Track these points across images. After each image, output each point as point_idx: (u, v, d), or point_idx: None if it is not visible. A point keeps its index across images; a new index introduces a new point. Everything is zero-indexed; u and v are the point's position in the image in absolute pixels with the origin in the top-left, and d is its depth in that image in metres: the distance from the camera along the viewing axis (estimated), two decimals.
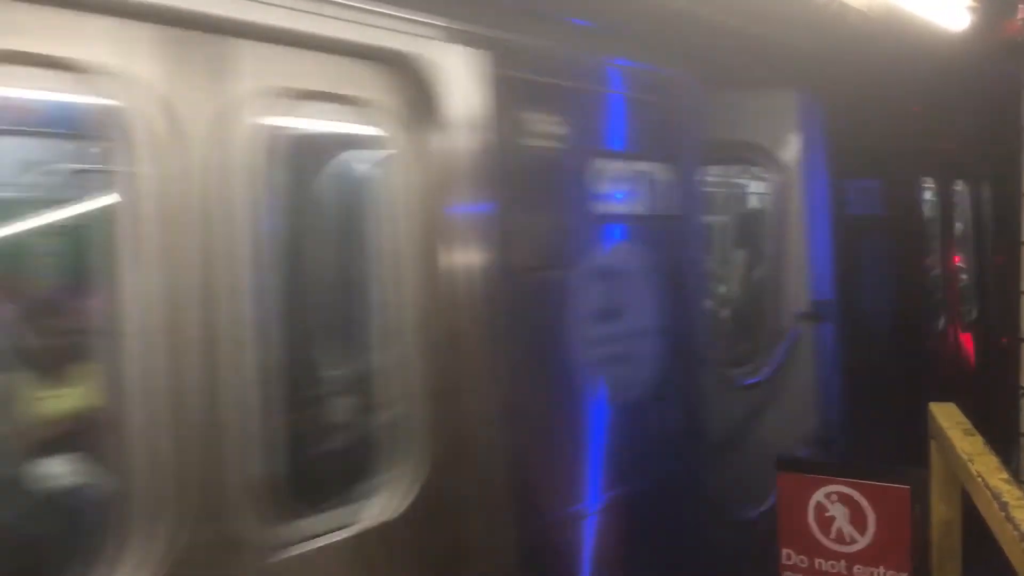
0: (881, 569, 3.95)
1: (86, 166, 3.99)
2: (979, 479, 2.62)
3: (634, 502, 4.14)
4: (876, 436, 5.55)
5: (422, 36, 3.14)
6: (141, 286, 2.44)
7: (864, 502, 3.97)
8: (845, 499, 4.01)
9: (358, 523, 3.00)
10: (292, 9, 2.75)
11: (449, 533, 3.20)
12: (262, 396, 2.69)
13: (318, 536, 2.88)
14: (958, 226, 7.98)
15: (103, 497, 2.65)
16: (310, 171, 4.55)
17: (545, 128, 3.67)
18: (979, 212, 8.14)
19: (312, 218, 4.67)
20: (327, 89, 2.97)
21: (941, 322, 7.32)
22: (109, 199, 2.51)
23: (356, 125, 3.39)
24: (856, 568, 4.00)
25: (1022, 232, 4.10)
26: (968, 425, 3.21)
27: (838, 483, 4.03)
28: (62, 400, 3.44)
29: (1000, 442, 3.12)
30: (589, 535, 3.97)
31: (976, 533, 2.96)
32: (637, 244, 4.19)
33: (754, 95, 5.28)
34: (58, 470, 3.30)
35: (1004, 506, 2.36)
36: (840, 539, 4.02)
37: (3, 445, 3.40)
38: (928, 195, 7.37)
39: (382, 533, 3.04)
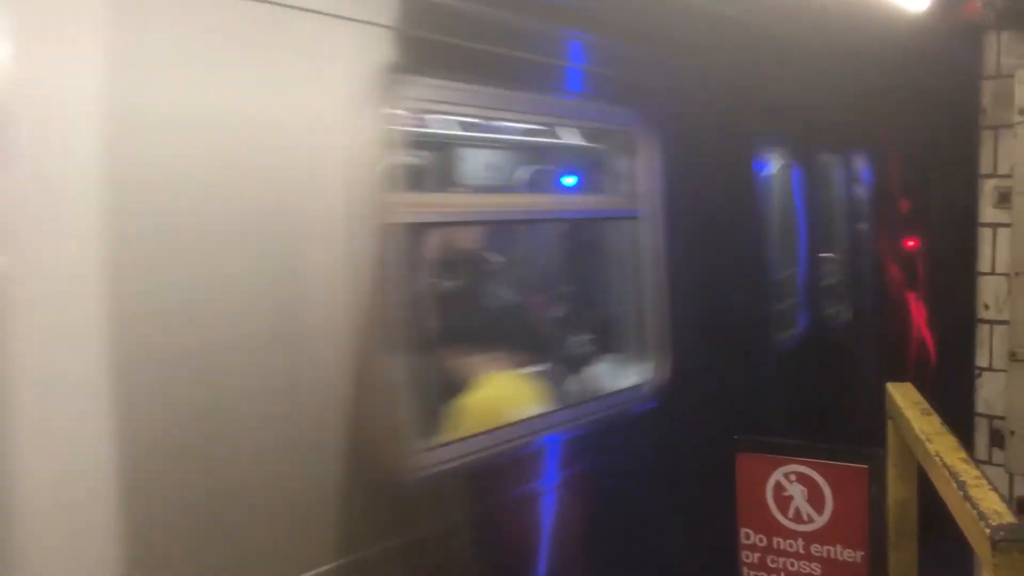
0: (838, 547, 3.98)
1: None
2: (937, 458, 2.63)
3: None
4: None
5: None
6: None
7: (822, 481, 4.00)
8: (803, 479, 4.04)
9: None
10: None
11: None
12: None
13: None
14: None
15: None
16: None
17: None
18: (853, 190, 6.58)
19: None
20: None
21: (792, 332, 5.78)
22: None
23: None
24: (814, 546, 4.03)
25: (980, 213, 4.14)
26: (925, 405, 3.23)
27: (796, 463, 4.06)
28: None
29: None
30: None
31: (932, 512, 2.99)
32: None
33: None
34: None
35: (962, 485, 2.37)
36: (798, 518, 4.05)
37: None
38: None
39: None
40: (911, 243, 7.58)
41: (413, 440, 3.08)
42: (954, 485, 2.39)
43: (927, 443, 2.78)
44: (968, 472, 2.46)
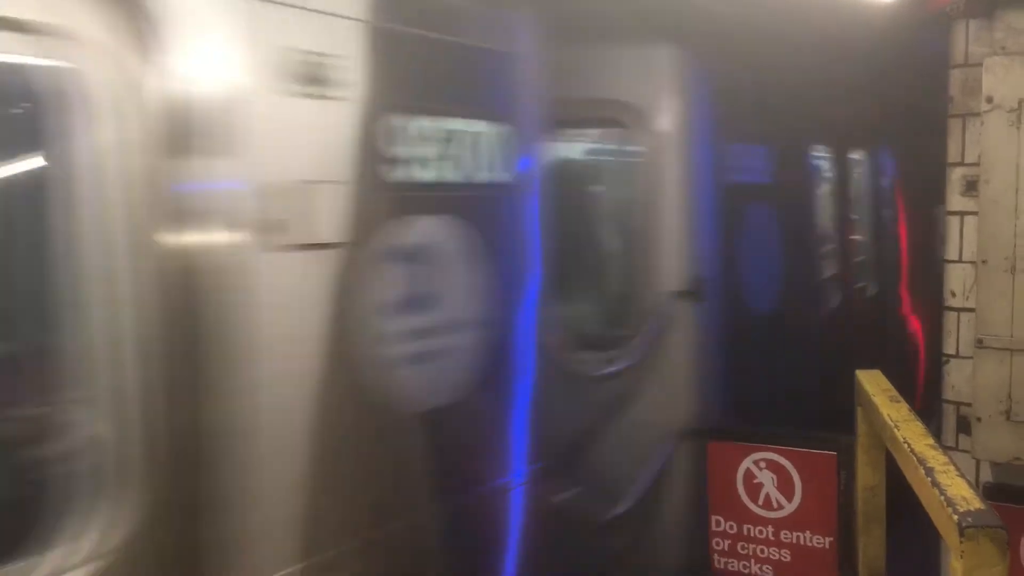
0: (807, 533, 4.01)
1: None
2: (905, 445, 2.64)
3: None
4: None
5: None
6: None
7: (791, 468, 4.03)
8: (773, 466, 4.06)
9: None
10: None
11: None
12: None
13: None
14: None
15: None
16: None
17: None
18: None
19: None
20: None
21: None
22: None
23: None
24: (783, 533, 4.06)
25: (947, 201, 4.16)
26: (894, 392, 3.25)
27: (766, 450, 4.08)
28: None
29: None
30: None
31: (899, 497, 3.01)
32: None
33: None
34: None
35: (930, 471, 2.38)
36: (768, 505, 4.08)
37: None
38: None
39: None
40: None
41: None
42: (922, 471, 2.40)
43: (895, 429, 2.80)
44: (936, 458, 2.48)
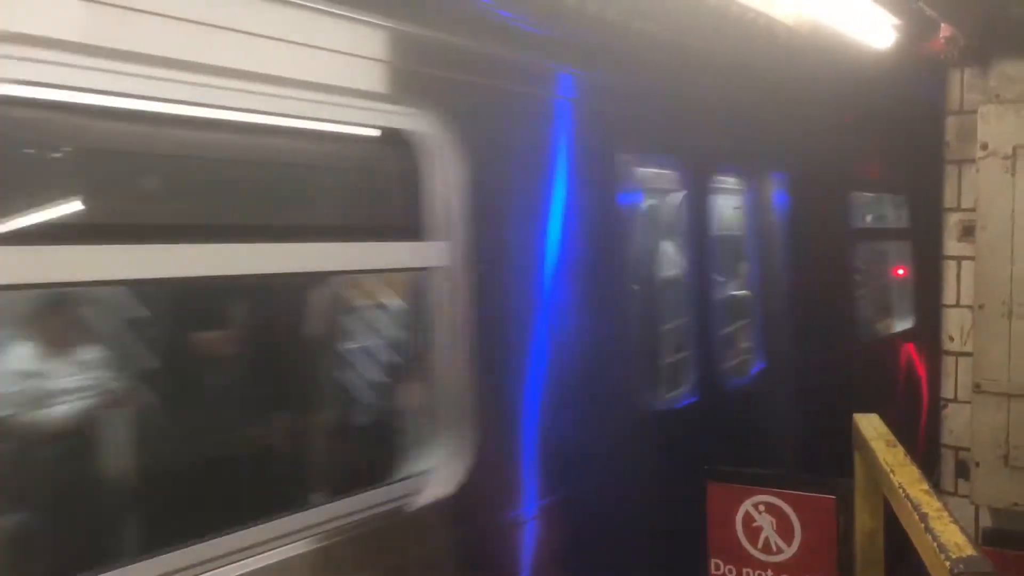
0: None
1: None
2: (900, 490, 2.65)
3: None
4: None
5: None
6: None
7: (791, 512, 4.01)
8: (772, 509, 4.05)
9: None
10: None
11: None
12: None
13: None
14: None
15: None
16: None
17: None
18: None
19: None
20: None
21: None
22: None
23: None
24: None
25: (944, 246, 4.20)
26: (891, 436, 3.25)
27: (766, 493, 4.07)
28: None
29: None
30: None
31: (898, 541, 3.00)
32: None
33: None
34: None
35: (924, 517, 2.39)
36: (767, 548, 4.06)
37: None
38: None
39: None
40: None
41: None
42: (916, 517, 2.41)
43: (891, 474, 2.80)
44: (930, 504, 2.48)
